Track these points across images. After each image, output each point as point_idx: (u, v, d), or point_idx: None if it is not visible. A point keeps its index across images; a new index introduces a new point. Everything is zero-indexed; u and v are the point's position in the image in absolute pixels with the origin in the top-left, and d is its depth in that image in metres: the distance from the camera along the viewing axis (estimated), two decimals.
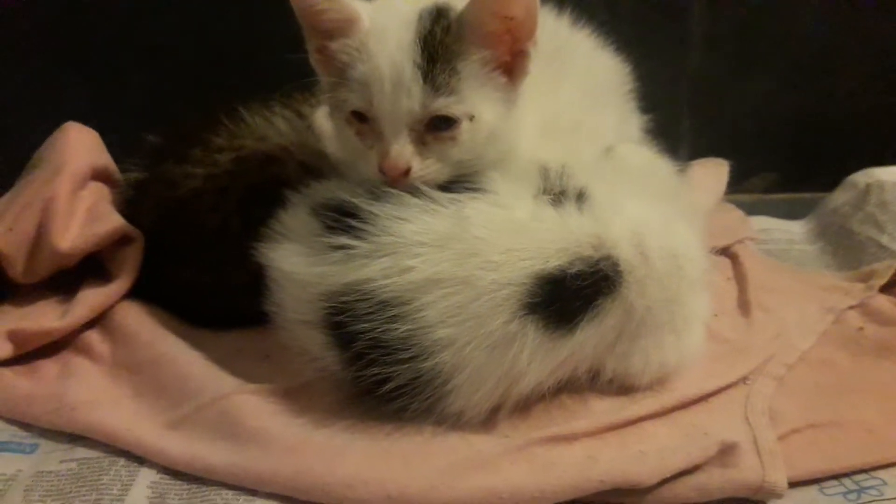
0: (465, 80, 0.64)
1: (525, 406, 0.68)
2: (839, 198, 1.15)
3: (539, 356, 0.64)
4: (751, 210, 1.17)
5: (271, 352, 0.78)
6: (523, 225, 0.65)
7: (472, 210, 0.65)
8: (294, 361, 0.72)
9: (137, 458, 0.66)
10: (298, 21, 0.68)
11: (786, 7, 1.21)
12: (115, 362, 0.76)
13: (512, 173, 0.69)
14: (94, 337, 0.79)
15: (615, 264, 0.65)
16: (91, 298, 0.79)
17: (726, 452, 0.62)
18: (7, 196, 0.84)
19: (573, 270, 0.64)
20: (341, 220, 0.66)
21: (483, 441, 0.64)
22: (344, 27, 0.65)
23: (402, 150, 0.64)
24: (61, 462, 0.66)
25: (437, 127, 0.65)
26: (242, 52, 1.14)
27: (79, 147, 0.86)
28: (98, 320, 0.81)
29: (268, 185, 0.82)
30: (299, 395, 0.70)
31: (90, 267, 0.84)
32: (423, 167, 0.65)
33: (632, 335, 0.68)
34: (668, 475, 0.61)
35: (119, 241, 0.83)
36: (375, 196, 0.67)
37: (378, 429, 0.66)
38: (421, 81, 0.63)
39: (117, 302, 0.81)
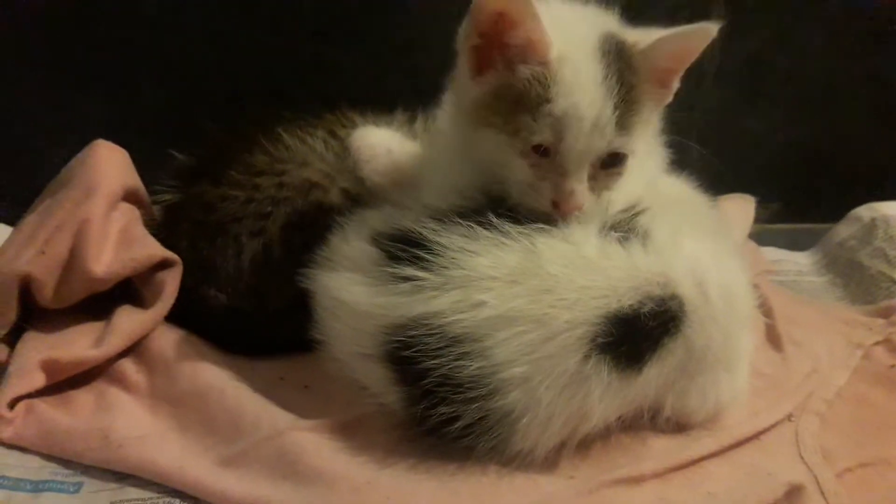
0: (641, 119, 0.65)
1: (585, 444, 0.67)
2: (844, 231, 1.18)
3: (608, 396, 0.63)
4: (757, 240, 1.19)
5: (311, 381, 0.76)
6: (593, 262, 0.64)
7: (544, 245, 0.64)
8: (340, 392, 0.71)
9: (193, 498, 0.63)
10: (471, 21, 0.63)
11: (792, 44, 1.23)
12: (154, 394, 0.73)
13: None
14: (128, 366, 0.76)
15: (681, 303, 0.66)
16: (127, 326, 0.76)
17: (793, 494, 0.63)
18: (34, 216, 0.81)
19: (645, 310, 0.63)
20: (407, 250, 0.65)
21: (550, 483, 0.64)
22: (530, 50, 0.62)
23: (583, 189, 0.64)
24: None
25: (608, 163, 0.65)
26: (262, 68, 1.13)
27: (110, 166, 0.83)
28: (132, 348, 0.77)
29: (311, 211, 0.81)
30: (356, 432, 0.68)
31: (122, 291, 0.81)
32: (591, 199, 0.66)
33: (691, 373, 0.68)
34: None
35: (155, 267, 0.80)
36: (443, 226, 0.65)
37: (442, 468, 0.64)
38: (615, 122, 0.63)
39: (153, 329, 0.78)
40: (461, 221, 0.65)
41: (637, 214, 0.69)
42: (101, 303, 0.80)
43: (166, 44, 1.10)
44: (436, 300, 0.62)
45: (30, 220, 0.81)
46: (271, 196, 0.82)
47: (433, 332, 0.62)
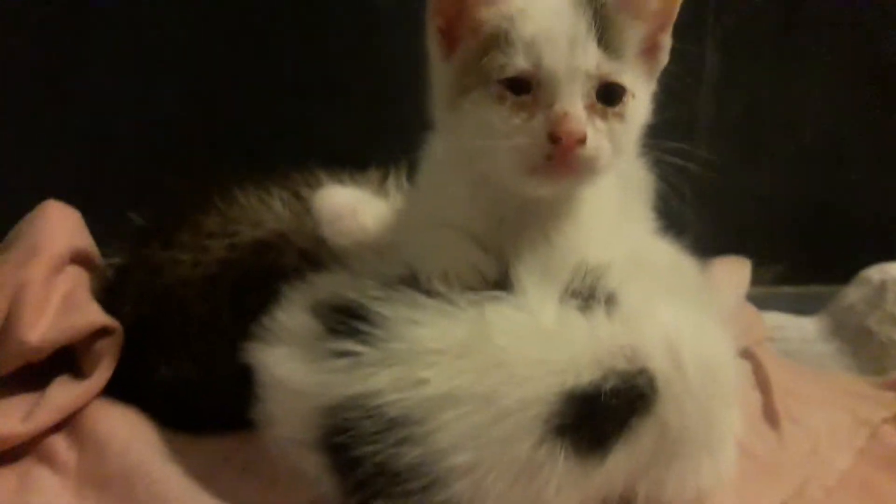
0: (629, 51, 0.59)
1: None
2: (853, 294, 1.11)
3: (568, 484, 0.56)
4: (759, 305, 1.12)
5: (255, 463, 0.70)
6: (550, 332, 0.58)
7: (495, 314, 0.58)
8: (284, 476, 0.65)
9: None
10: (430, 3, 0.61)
11: (792, 95, 1.20)
12: (82, 475, 0.67)
13: (538, 266, 0.62)
14: (59, 443, 0.70)
15: (651, 379, 0.59)
16: (60, 399, 0.71)
17: None
18: None
19: (608, 386, 0.57)
20: (346, 321, 0.60)
21: None
22: None
23: (579, 114, 0.56)
24: None
25: (605, 99, 0.58)
26: (239, 127, 1.10)
27: (58, 228, 0.79)
28: (66, 422, 0.72)
29: (263, 274, 0.76)
30: None
31: (62, 360, 0.76)
32: (596, 139, 0.57)
33: (667, 457, 0.61)
34: None
35: (96, 334, 0.75)
36: (387, 294, 0.60)
37: None
38: (595, 41, 0.56)
39: (89, 402, 0.73)
40: (406, 289, 0.60)
41: (602, 276, 0.63)
42: (38, 373, 0.75)
43: (142, 101, 1.08)
44: (374, 377, 0.56)
45: None
46: (221, 258, 0.77)
47: (370, 413, 0.56)
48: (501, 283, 0.61)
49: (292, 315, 0.65)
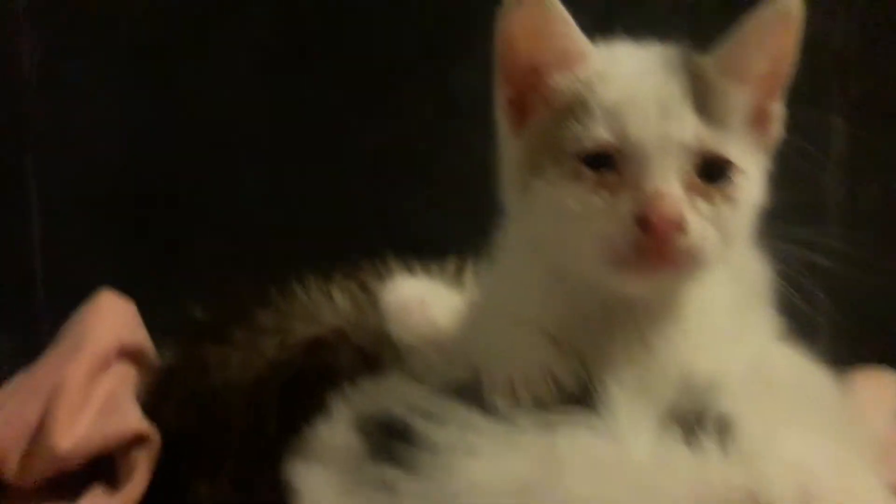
0: (734, 120, 0.49)
1: None
2: None
3: None
4: None
5: None
6: (645, 471, 0.46)
7: (568, 442, 0.46)
8: None
9: None
10: (497, 58, 0.53)
11: None
12: None
13: (631, 379, 0.51)
14: None
15: None
16: None
17: None
18: (19, 377, 0.73)
19: None
20: (390, 443, 0.50)
21: None
22: (567, 61, 0.51)
23: (675, 193, 0.46)
24: None
25: (708, 177, 0.48)
26: (313, 212, 1.05)
27: (107, 322, 0.75)
28: None
29: (315, 376, 0.68)
30: None
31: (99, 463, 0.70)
32: (699, 224, 0.47)
33: None
34: None
35: (133, 440, 0.68)
36: (439, 412, 0.50)
37: None
38: (692, 106, 0.48)
39: None
40: (463, 403, 0.50)
41: (713, 395, 0.50)
42: (74, 479, 0.69)
43: (219, 195, 1.06)
44: None
45: (15, 380, 0.73)
46: (270, 358, 0.70)
47: None
48: (582, 396, 0.50)
49: (336, 430, 0.56)
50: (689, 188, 0.47)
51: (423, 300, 0.71)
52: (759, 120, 0.52)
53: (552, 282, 0.53)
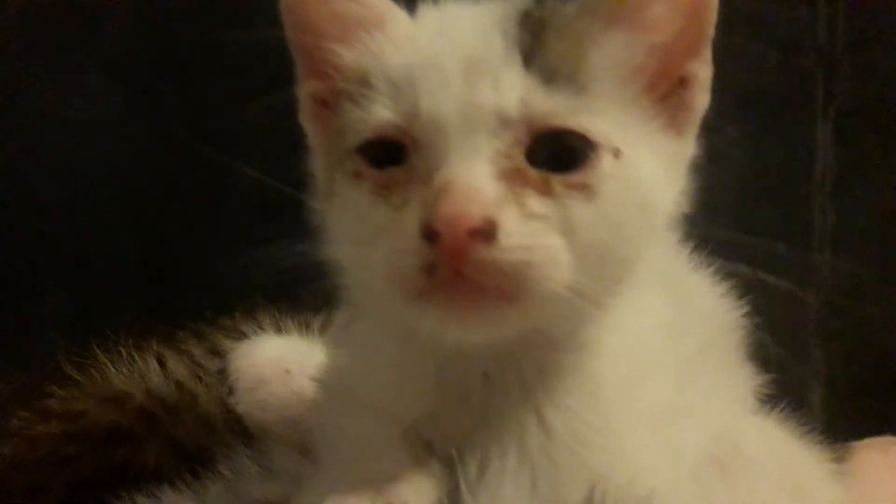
0: (602, 79, 0.36)
1: None
2: None
3: None
4: None
5: None
6: None
7: None
8: None
9: None
10: (291, 44, 0.42)
11: None
12: None
13: (523, 476, 0.37)
14: None
15: None
16: None
17: None
18: None
19: None
20: None
21: None
22: (359, 30, 0.40)
23: (476, 179, 0.33)
24: None
25: (555, 161, 0.35)
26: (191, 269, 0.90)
27: None
28: None
29: (111, 478, 0.52)
30: None
31: None
32: (525, 229, 0.33)
33: None
34: None
35: None
36: None
37: None
38: (521, 62, 0.35)
39: None
40: None
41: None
42: None
43: (75, 237, 0.90)
44: None
45: None
46: (48, 455, 0.53)
47: None
48: None
49: None
50: (510, 177, 0.34)
51: (286, 368, 0.60)
52: (666, 85, 0.39)
53: (404, 343, 0.39)
